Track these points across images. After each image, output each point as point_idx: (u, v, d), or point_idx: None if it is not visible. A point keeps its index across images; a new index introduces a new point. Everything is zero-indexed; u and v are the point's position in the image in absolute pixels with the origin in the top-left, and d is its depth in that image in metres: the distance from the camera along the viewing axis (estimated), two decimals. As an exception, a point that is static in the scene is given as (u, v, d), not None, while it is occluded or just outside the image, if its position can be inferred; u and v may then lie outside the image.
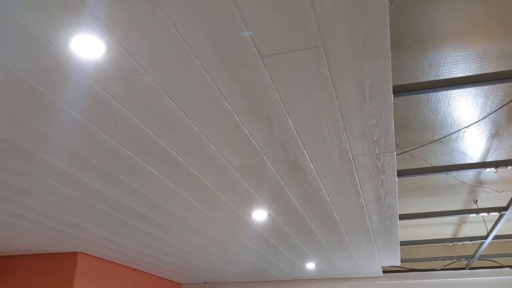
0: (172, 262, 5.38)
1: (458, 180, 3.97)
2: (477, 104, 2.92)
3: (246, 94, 1.95)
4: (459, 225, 5.47)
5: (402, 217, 4.08)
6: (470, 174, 4.05)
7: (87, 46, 1.63)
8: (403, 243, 5.14)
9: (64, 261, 4.77)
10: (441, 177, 4.11)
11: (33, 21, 1.49)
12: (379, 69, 1.83)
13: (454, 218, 5.27)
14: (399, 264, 5.55)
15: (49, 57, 1.67)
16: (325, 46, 1.68)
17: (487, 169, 2.93)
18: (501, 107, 2.74)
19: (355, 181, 2.97)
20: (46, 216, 3.50)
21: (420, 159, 3.55)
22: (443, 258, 5.67)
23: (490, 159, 3.64)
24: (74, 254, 4.78)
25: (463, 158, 3.65)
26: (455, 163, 3.63)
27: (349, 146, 2.48)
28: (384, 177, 2.91)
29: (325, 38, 1.64)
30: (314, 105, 2.06)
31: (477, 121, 2.97)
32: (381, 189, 3.12)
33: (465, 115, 3.06)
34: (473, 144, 3.45)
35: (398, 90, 2.10)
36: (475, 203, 4.66)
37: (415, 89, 2.11)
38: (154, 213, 3.48)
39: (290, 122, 2.20)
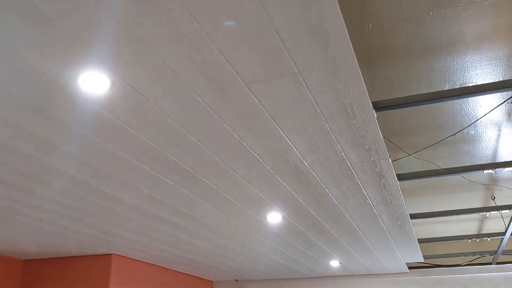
0: (202, 261, 5.67)
1: (468, 180, 4.05)
2: (478, 104, 3.03)
3: (240, 114, 2.17)
4: (482, 220, 5.51)
5: (416, 216, 4.20)
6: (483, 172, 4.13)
7: (94, 82, 1.89)
8: (423, 240, 5.23)
9: (99, 263, 5.12)
10: (456, 176, 4.20)
11: (43, 60, 1.76)
12: (354, 89, 2.01)
13: (475, 215, 5.31)
14: (421, 260, 5.64)
15: (60, 91, 1.94)
16: (301, 73, 1.88)
17: (485, 171, 3.03)
18: (494, 108, 2.85)
19: (359, 186, 3.13)
20: (81, 222, 3.83)
21: (427, 161, 3.67)
22: (466, 254, 5.72)
23: (499, 159, 3.71)
24: (109, 256, 5.12)
25: (471, 159, 3.74)
26: (463, 164, 3.73)
27: (344, 155, 2.66)
28: (385, 181, 3.07)
29: (299, 66, 1.84)
30: (303, 122, 2.26)
31: (474, 122, 3.08)
32: (385, 192, 3.27)
33: (465, 117, 3.17)
34: (481, 144, 3.55)
35: (380, 106, 2.26)
36: (493, 199, 4.71)
37: (398, 103, 2.27)
38: (175, 217, 3.75)
39: (284, 136, 2.40)
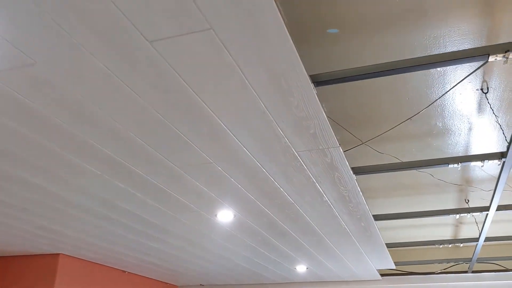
0: (163, 265, 5.31)
1: (438, 179, 3.74)
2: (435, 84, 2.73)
3: (154, 86, 1.83)
4: (457, 226, 5.21)
5: (381, 217, 3.88)
6: (456, 172, 3.82)
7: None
8: (392, 245, 4.92)
9: (45, 262, 4.74)
10: (427, 175, 3.89)
11: None
12: (284, 55, 1.68)
13: (449, 219, 5.01)
14: (393, 266, 5.32)
15: None
16: (214, 30, 1.55)
17: (450, 165, 2.71)
18: (450, 89, 2.54)
19: (311, 179, 2.80)
20: (23, 220, 3.47)
21: (392, 156, 3.35)
22: (440, 261, 5.41)
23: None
24: (55, 255, 4.75)
25: (441, 155, 3.43)
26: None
27: (288, 141, 2.32)
28: (339, 174, 2.74)
29: (211, 21, 1.50)
30: (230, 95, 1.92)
31: (430, 104, 2.77)
32: (342, 188, 2.95)
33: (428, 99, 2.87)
34: (451, 139, 3.24)
35: (321, 79, 1.94)
36: (467, 202, 4.41)
37: (343, 76, 1.95)
38: (123, 217, 3.40)
39: (214, 115, 2.07)
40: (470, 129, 3.08)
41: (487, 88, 2.59)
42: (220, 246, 4.41)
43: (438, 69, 2.50)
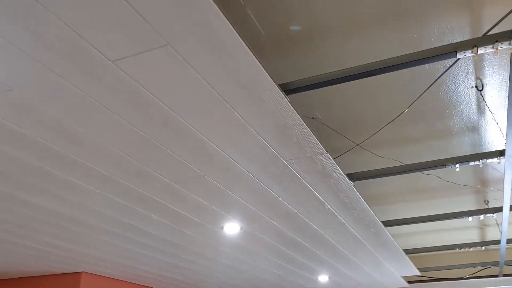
0: (185, 281, 5.35)
1: (445, 180, 3.64)
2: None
3: (127, 102, 1.88)
4: (482, 228, 5.04)
5: (391, 223, 3.80)
6: (472, 173, 3.71)
7: None
8: (412, 251, 4.80)
9: (67, 282, 4.86)
10: (439, 179, 3.79)
11: None
12: (248, 67, 1.69)
13: (474, 222, 4.85)
14: (417, 273, 5.18)
15: None
16: (172, 45, 1.58)
17: (448, 166, 2.64)
18: (425, 90, 2.48)
19: (307, 188, 2.78)
20: (47, 237, 3.61)
21: (393, 160, 3.29)
22: (467, 266, 5.24)
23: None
24: (78, 274, 4.85)
25: (447, 156, 3.34)
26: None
27: (274, 151, 2.32)
28: (335, 181, 2.71)
29: (166, 37, 1.53)
30: (205, 109, 1.94)
31: (409, 106, 2.71)
32: (341, 195, 2.91)
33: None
34: (458, 139, 3.16)
35: (291, 87, 1.93)
36: (486, 204, 4.26)
37: (316, 82, 1.94)
38: (141, 236, 3.46)
39: (193, 128, 2.09)
40: (473, 128, 2.99)
41: (482, 85, 2.52)
42: (235, 259, 4.41)
43: (427, 67, 2.46)
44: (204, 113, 1.97)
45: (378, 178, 3.70)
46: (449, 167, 2.67)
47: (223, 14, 1.46)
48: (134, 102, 1.88)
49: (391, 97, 2.71)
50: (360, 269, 4.89)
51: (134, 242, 3.78)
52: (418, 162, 2.99)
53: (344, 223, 3.44)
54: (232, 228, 3.47)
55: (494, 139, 3.09)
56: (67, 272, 4.87)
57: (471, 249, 5.16)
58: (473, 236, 5.26)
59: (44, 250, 4.00)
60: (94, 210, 3.02)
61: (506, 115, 2.83)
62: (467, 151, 3.22)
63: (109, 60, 1.63)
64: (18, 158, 2.27)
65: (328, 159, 2.43)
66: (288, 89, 1.93)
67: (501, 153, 2.48)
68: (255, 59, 1.67)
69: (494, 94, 2.64)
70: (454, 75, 2.49)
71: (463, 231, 5.12)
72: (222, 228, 3.48)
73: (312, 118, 2.90)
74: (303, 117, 2.88)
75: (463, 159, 2.58)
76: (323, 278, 5.33)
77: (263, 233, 3.62)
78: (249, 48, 1.61)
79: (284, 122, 2.08)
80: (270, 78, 1.77)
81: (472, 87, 2.57)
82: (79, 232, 3.48)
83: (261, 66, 1.70)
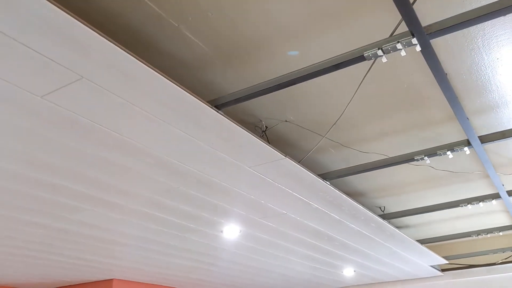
0: (221, 283, 5.52)
1: (439, 170, 3.53)
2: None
3: (71, 132, 2.02)
4: (507, 212, 4.83)
5: (396, 215, 3.75)
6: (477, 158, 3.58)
7: None
8: (428, 240, 4.68)
9: (100, 288, 5.16)
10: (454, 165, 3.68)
11: None
12: (166, 88, 1.77)
13: (498, 206, 4.66)
14: (443, 262, 5.04)
15: None
16: (86, 77, 1.69)
17: (416, 158, 2.59)
18: (356, 90, 2.43)
19: (285, 190, 2.82)
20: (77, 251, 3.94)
21: (378, 154, 3.24)
22: (495, 251, 5.04)
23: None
24: (109, 281, 5.13)
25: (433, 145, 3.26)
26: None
27: (233, 160, 2.39)
28: (309, 182, 2.73)
29: (78, 72, 1.65)
30: (151, 129, 2.05)
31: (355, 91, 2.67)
32: (321, 193, 2.92)
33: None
34: (443, 128, 3.08)
35: (220, 102, 1.99)
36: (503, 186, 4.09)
37: (238, 97, 1.98)
38: (171, 239, 3.65)
39: (146, 149, 2.20)
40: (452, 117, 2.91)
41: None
42: (253, 260, 4.51)
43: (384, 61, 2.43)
44: (151, 132, 2.07)
45: (389, 171, 3.66)
46: (411, 161, 2.61)
47: (129, 53, 1.56)
48: (79, 130, 2.01)
49: (352, 91, 2.69)
50: (381, 260, 4.83)
51: (157, 251, 3.99)
52: (392, 156, 2.92)
53: (340, 220, 3.44)
54: (232, 231, 3.57)
55: (477, 125, 2.99)
56: (100, 279, 5.17)
57: (501, 233, 4.95)
58: (501, 220, 5.05)
59: (77, 263, 4.32)
60: (118, 230, 3.26)
61: (470, 103, 2.74)
62: (454, 138, 3.13)
63: (38, 96, 1.77)
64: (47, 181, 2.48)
65: (290, 163, 2.47)
66: (218, 104, 1.99)
67: (468, 142, 2.41)
68: (172, 84, 1.75)
69: (459, 81, 2.56)
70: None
71: (492, 216, 4.92)
72: (221, 231, 3.58)
73: (286, 121, 2.93)
74: (277, 120, 2.93)
75: (431, 151, 2.52)
76: (348, 271, 5.31)
77: (264, 234, 3.69)
78: (161, 74, 1.70)
79: (228, 136, 2.14)
80: (192, 97, 1.84)
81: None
82: (109, 247, 3.76)
83: (181, 89, 1.78)
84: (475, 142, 2.48)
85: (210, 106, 1.90)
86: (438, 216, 4.74)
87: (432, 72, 2.08)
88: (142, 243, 3.81)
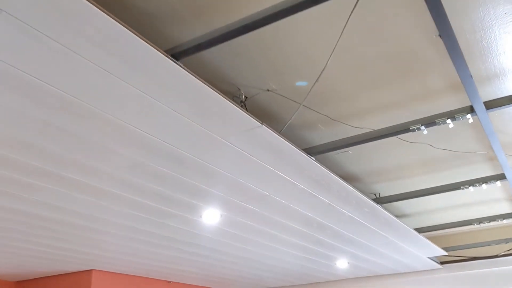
0: (208, 273, 5.25)
1: (438, 148, 3.22)
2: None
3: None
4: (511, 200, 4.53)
5: (390, 199, 3.45)
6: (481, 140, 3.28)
7: None
8: (428, 229, 4.39)
9: (78, 280, 4.86)
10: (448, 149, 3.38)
11: None
12: (100, 26, 1.47)
13: (501, 193, 4.36)
14: (442, 253, 4.75)
15: None
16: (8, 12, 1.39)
17: (412, 129, 2.29)
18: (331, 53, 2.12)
19: (265, 166, 2.51)
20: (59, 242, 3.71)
21: (372, 130, 2.93)
22: (498, 242, 4.74)
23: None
24: (88, 272, 4.84)
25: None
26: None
27: (205, 129, 2.09)
28: (291, 157, 2.43)
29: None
30: (99, 85, 1.75)
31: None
32: (307, 172, 2.62)
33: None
34: (437, 100, 2.77)
35: (177, 50, 1.69)
36: (507, 171, 3.78)
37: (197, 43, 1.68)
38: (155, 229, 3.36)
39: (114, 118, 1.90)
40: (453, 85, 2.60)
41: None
42: (239, 249, 4.22)
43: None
44: (102, 90, 1.77)
45: (384, 152, 3.36)
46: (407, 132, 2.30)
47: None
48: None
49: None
50: (376, 251, 4.54)
51: (136, 240, 3.71)
52: (393, 125, 2.60)
53: (330, 204, 3.14)
54: (212, 216, 3.27)
55: (481, 95, 2.68)
56: (78, 270, 4.88)
57: (504, 221, 4.65)
58: (505, 208, 4.75)
59: (55, 253, 4.07)
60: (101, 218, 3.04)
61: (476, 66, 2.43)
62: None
63: None
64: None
65: (266, 131, 2.16)
66: (178, 52, 1.69)
67: (472, 108, 2.11)
68: (130, 32, 1.44)
69: (472, 39, 2.26)
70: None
71: (491, 205, 4.63)
72: (200, 216, 3.28)
73: (268, 91, 2.62)
74: (258, 89, 2.63)
75: (429, 120, 2.22)
76: (342, 263, 5.02)
77: (246, 220, 3.40)
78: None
79: (193, 96, 1.84)
80: (147, 45, 1.54)
81: (435, 36, 2.20)
82: (89, 235, 3.55)
83: (128, 31, 1.48)
84: (479, 107, 2.17)
85: (166, 54, 1.60)
86: (438, 203, 4.44)
87: (436, 24, 1.77)
88: (119, 231, 3.51)
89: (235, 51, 2.33)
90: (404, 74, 2.49)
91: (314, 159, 2.48)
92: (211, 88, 1.82)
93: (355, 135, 2.65)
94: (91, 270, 4.85)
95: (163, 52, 1.60)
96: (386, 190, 4.07)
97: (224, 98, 1.90)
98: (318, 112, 2.76)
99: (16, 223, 3.21)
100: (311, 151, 2.62)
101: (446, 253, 4.78)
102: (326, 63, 2.28)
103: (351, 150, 3.40)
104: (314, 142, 3.12)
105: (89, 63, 1.61)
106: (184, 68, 1.69)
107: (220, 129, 2.11)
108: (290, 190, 2.86)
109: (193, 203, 3.00)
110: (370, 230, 3.79)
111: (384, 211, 3.37)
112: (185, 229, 3.55)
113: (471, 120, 2.29)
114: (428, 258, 5.06)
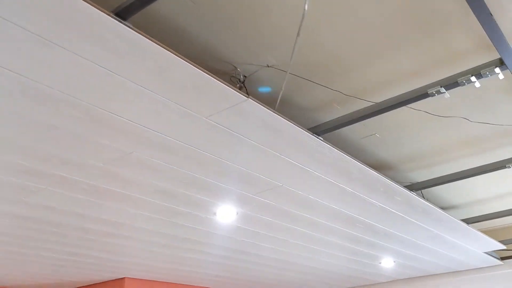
0: (240, 278, 5.02)
1: (473, 121, 2.78)
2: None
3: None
4: None
5: (426, 184, 3.06)
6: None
7: None
8: (481, 218, 3.92)
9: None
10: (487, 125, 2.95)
11: None
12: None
13: None
14: (500, 247, 4.24)
15: None
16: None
17: (432, 93, 1.93)
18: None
19: (270, 153, 2.24)
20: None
21: (365, 101, 2.55)
22: None
23: None
24: (121, 280, 4.72)
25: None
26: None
27: (178, 105, 1.85)
28: (291, 137, 2.13)
29: None
30: (41, 57, 1.55)
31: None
32: (318, 155, 2.31)
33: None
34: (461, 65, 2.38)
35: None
36: None
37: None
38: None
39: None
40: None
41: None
42: (266, 250, 3.94)
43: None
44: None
45: (416, 133, 2.99)
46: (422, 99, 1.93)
47: None
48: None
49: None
50: (423, 247, 4.11)
51: (160, 244, 3.58)
52: (410, 90, 2.21)
53: (353, 192, 2.81)
54: (227, 213, 3.02)
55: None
56: (111, 279, 4.78)
57: None
58: None
59: (89, 262, 4.01)
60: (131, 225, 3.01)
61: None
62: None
63: None
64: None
65: (253, 105, 1.88)
66: (122, 9, 1.46)
67: (501, 61, 1.73)
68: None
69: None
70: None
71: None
72: (214, 214, 3.04)
73: (268, 66, 2.35)
74: (256, 66, 2.37)
75: (449, 81, 1.85)
76: (388, 262, 4.60)
77: (262, 215, 3.12)
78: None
79: (166, 64, 1.60)
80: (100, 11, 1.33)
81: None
82: (119, 243, 3.48)
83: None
84: (510, 58, 1.77)
85: (109, 14, 1.37)
86: (488, 191, 3.96)
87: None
88: (141, 235, 3.36)
89: (223, 24, 2.08)
90: (422, 34, 2.13)
91: (322, 139, 2.17)
92: (183, 58, 1.58)
93: (364, 108, 2.31)
94: (123, 278, 4.73)
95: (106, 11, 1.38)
96: (422, 177, 3.66)
97: (199, 68, 1.65)
98: (327, 87, 2.45)
99: (45, 233, 3.16)
100: (317, 130, 2.31)
101: (504, 247, 4.27)
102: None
103: (377, 133, 3.05)
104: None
105: (25, 32, 1.41)
106: (134, 30, 1.46)
107: (200, 106, 1.85)
108: (303, 177, 2.56)
109: (205, 200, 2.77)
110: (408, 221, 3.40)
111: (420, 198, 2.99)
112: (211, 231, 3.34)
113: (501, 76, 1.91)
114: (485, 253, 4.55)
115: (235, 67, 2.36)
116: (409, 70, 2.38)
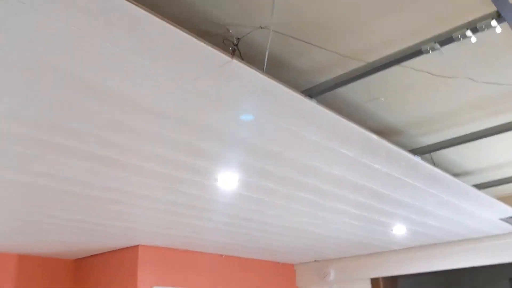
0: (269, 247, 5.09)
1: (478, 81, 2.66)
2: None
3: None
4: None
5: (431, 148, 2.97)
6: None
7: None
8: (495, 183, 3.81)
9: (125, 256, 4.85)
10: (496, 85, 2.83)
11: None
12: None
13: None
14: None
15: None
16: None
17: (426, 49, 1.83)
18: None
19: (260, 116, 2.19)
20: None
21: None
22: None
23: None
24: (135, 247, 4.80)
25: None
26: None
27: (165, 70, 1.81)
28: (280, 98, 2.06)
29: None
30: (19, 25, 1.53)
31: None
32: (314, 120, 2.25)
33: None
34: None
35: None
36: None
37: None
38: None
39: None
40: None
41: None
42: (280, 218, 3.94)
43: None
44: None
45: (422, 96, 2.89)
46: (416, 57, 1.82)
47: None
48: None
49: None
50: (433, 214, 4.04)
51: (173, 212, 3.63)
52: (403, 47, 2.11)
53: (355, 158, 2.75)
54: (228, 180, 3.01)
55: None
56: (125, 246, 4.87)
57: None
58: None
59: (100, 230, 4.12)
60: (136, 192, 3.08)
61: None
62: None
63: None
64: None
65: (241, 68, 1.83)
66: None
67: (498, 14, 1.62)
68: None
69: None
70: None
71: None
72: (216, 180, 3.03)
73: (261, 28, 2.28)
74: (249, 27, 2.30)
75: (444, 37, 1.75)
76: (399, 229, 4.56)
77: (263, 183, 3.09)
78: None
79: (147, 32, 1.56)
80: None
81: None
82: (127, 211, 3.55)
83: None
84: (508, 9, 1.65)
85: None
86: (500, 155, 3.84)
87: None
88: (150, 203, 3.39)
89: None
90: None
91: (315, 101, 2.11)
92: (154, 14, 1.53)
93: (358, 67, 2.23)
94: (137, 245, 4.81)
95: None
96: (433, 142, 3.57)
97: (179, 28, 1.60)
98: (322, 48, 2.36)
99: (52, 200, 3.22)
100: (310, 92, 2.25)
101: (516, 213, 4.17)
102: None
103: (383, 98, 2.97)
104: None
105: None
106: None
107: (181, 69, 1.81)
108: (301, 143, 2.51)
109: (209, 168, 2.76)
110: (414, 187, 3.33)
111: (425, 163, 2.91)
112: (215, 198, 3.34)
113: (498, 29, 1.80)
114: (501, 219, 4.45)
115: (227, 29, 2.30)
116: (408, 29, 2.27)
